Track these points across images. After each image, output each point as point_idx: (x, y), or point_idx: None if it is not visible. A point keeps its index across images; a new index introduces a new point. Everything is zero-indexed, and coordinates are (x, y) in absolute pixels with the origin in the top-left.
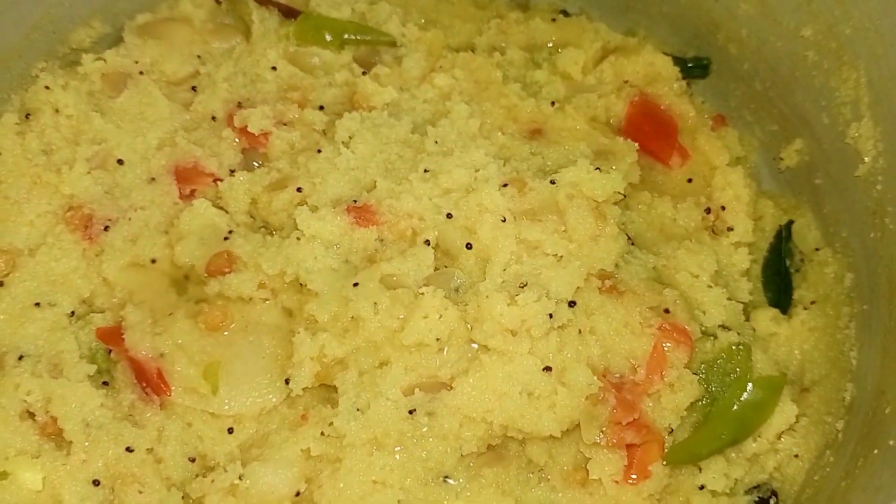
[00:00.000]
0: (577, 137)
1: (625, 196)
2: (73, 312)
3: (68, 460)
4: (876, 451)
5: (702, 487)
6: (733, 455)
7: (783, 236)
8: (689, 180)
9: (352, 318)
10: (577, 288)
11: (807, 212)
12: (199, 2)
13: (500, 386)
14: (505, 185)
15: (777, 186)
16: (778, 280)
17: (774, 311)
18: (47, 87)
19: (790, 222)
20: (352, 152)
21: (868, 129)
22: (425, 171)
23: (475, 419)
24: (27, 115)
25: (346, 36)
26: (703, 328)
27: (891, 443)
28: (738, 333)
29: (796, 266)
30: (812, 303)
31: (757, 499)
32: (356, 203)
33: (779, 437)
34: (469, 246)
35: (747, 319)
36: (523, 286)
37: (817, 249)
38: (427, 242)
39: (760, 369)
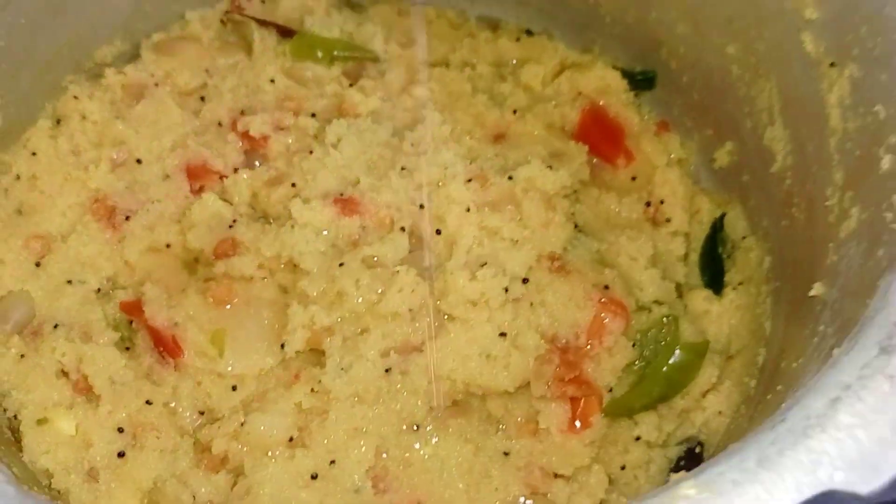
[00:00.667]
0: (534, 141)
1: (575, 191)
2: (99, 289)
3: (97, 411)
4: (769, 397)
5: (637, 438)
6: (664, 411)
7: (717, 227)
8: (634, 178)
9: (337, 292)
10: (530, 267)
11: (737, 205)
12: (207, 22)
13: (462, 349)
14: (469, 181)
15: (712, 184)
16: (713, 265)
17: (708, 292)
18: (75, 97)
19: (723, 215)
20: (339, 153)
21: (779, 131)
22: (402, 168)
23: (441, 377)
24: (58, 121)
25: (335, 53)
26: (639, 303)
27: (779, 388)
28: (669, 307)
29: (728, 253)
30: (739, 283)
31: (686, 448)
32: (342, 196)
33: (704, 396)
34: (438, 232)
35: (680, 298)
36: (483, 265)
37: (744, 238)
38: (403, 229)
39: (687, 336)
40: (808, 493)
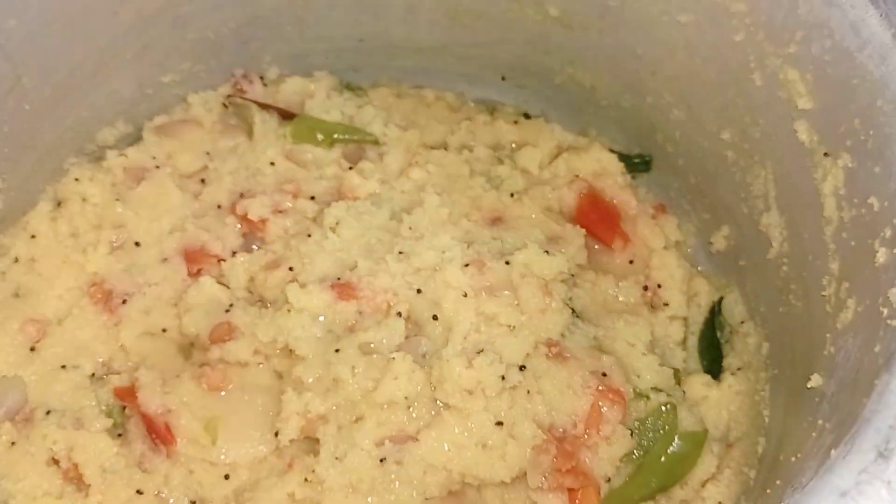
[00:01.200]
0: (532, 224)
1: (572, 275)
2: (93, 374)
3: (87, 501)
4: (768, 491)
5: None
6: (663, 502)
7: (715, 311)
8: (631, 261)
9: (333, 379)
10: (527, 354)
11: (734, 289)
12: (209, 105)
13: (458, 438)
14: (467, 265)
15: (710, 267)
16: (711, 350)
17: (707, 377)
18: (76, 179)
19: (721, 299)
20: (337, 236)
21: (775, 218)
22: (400, 252)
23: (437, 467)
24: (59, 204)
25: (335, 136)
26: (637, 390)
27: (778, 482)
28: (668, 395)
29: (726, 337)
30: (738, 369)
31: None
32: (339, 280)
33: (703, 486)
34: (435, 317)
35: (679, 384)
36: (480, 352)
37: (742, 322)
38: (399, 314)
39: (686, 426)
40: None
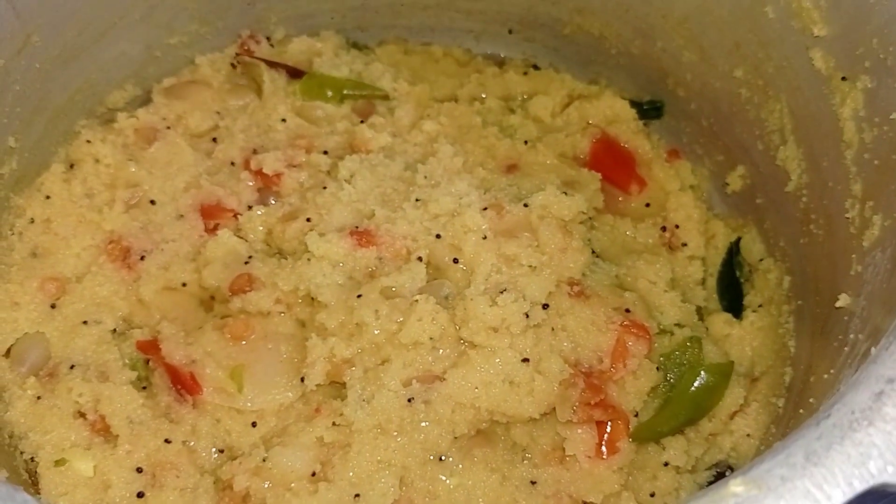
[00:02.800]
0: (547, 170)
1: (590, 218)
2: (115, 329)
3: (115, 451)
4: (801, 412)
5: (666, 464)
6: (692, 435)
7: (733, 251)
8: (647, 205)
9: (356, 324)
10: (549, 293)
11: (752, 228)
12: (218, 66)
13: (485, 376)
14: (485, 209)
15: (726, 209)
16: (731, 290)
17: (727, 316)
18: (88, 141)
19: (738, 239)
20: (353, 187)
21: (792, 150)
22: (416, 200)
23: (465, 405)
24: (71, 165)
25: (345, 91)
26: (661, 326)
27: (811, 400)
28: (692, 329)
29: (745, 276)
30: (759, 306)
31: (715, 473)
32: (358, 228)
33: (731, 418)
34: (455, 261)
35: (701, 320)
36: (503, 291)
37: (761, 260)
38: (419, 259)
39: (711, 358)
40: (860, 487)
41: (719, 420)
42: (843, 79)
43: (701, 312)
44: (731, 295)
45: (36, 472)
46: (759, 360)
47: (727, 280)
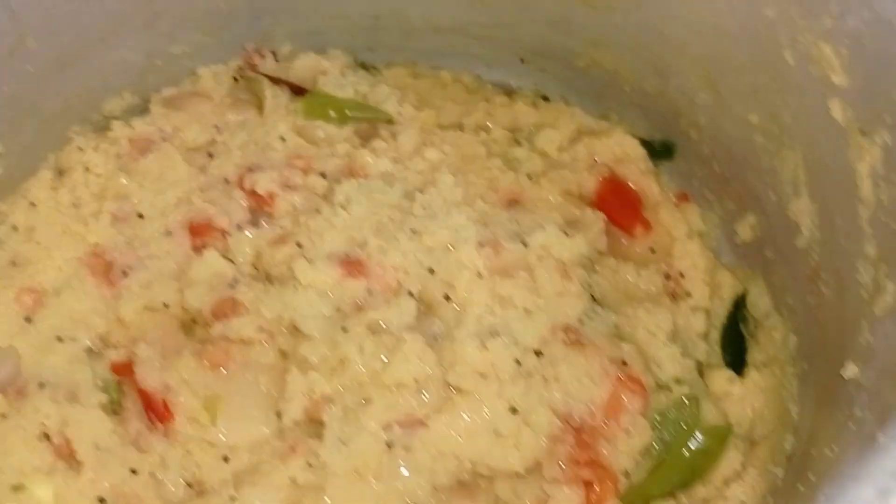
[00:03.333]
0: (550, 207)
1: (591, 260)
2: (90, 347)
3: (78, 479)
4: (801, 488)
5: None
6: (684, 500)
7: (739, 304)
8: (652, 250)
9: (340, 359)
10: (544, 339)
11: (759, 281)
12: (220, 79)
13: (470, 424)
14: (482, 245)
15: (734, 259)
16: (735, 344)
17: (729, 373)
18: (80, 149)
19: (745, 291)
20: (348, 213)
21: (805, 204)
22: (412, 231)
23: (447, 454)
24: (60, 173)
25: (348, 112)
26: (658, 381)
27: (811, 476)
28: (690, 387)
29: (750, 332)
30: (763, 364)
31: None
32: (349, 257)
33: (727, 485)
34: (448, 297)
35: (701, 375)
36: (494, 335)
37: (768, 315)
38: (410, 293)
39: (709, 419)
40: None
41: (713, 486)
42: (862, 133)
43: (701, 367)
44: (735, 350)
45: None
46: (760, 423)
47: (731, 334)
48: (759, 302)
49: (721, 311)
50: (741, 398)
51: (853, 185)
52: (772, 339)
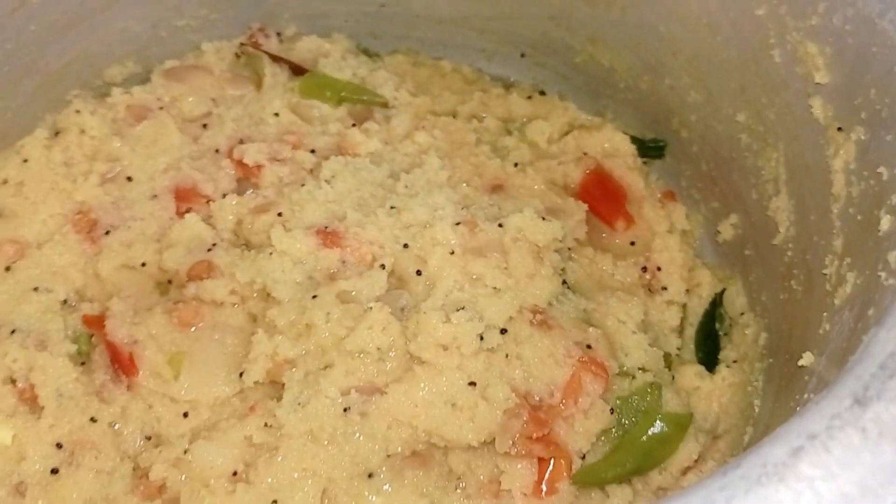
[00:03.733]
0: (533, 195)
1: (569, 248)
2: (65, 300)
3: (38, 423)
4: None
5: None
6: (639, 486)
7: (716, 303)
8: (632, 243)
9: (306, 324)
10: (510, 318)
11: (737, 281)
12: (222, 54)
13: (427, 395)
14: (458, 224)
15: (716, 258)
16: (708, 342)
17: (700, 368)
18: (77, 111)
19: (723, 290)
20: (331, 188)
21: (784, 201)
22: (391, 207)
23: (402, 422)
24: (56, 133)
25: (343, 94)
26: (623, 368)
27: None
28: (655, 376)
29: (725, 330)
30: (734, 361)
31: None
32: (326, 228)
33: (683, 474)
34: (419, 272)
35: (669, 368)
36: (460, 309)
37: (742, 314)
38: (382, 266)
39: (671, 408)
40: None
41: (670, 474)
42: (839, 129)
43: (671, 361)
44: (708, 348)
45: None
46: (725, 418)
47: (706, 332)
48: (736, 301)
49: (699, 309)
50: (709, 393)
51: (828, 182)
52: (744, 336)
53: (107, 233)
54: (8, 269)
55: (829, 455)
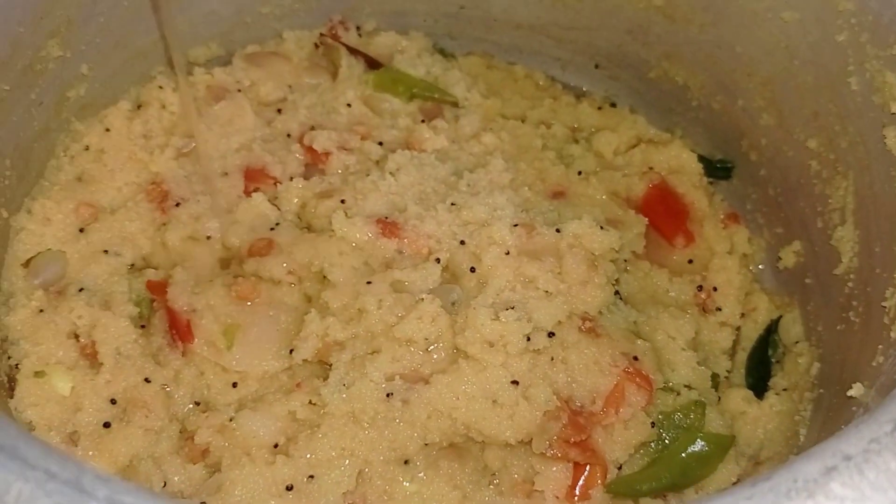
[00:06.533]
0: (594, 204)
1: (625, 260)
2: (132, 264)
3: (96, 378)
4: None
5: None
6: (674, 502)
7: (771, 329)
8: (690, 261)
9: (358, 309)
10: (559, 322)
11: (795, 309)
12: (302, 43)
13: (470, 388)
14: (516, 226)
15: (775, 284)
16: (760, 368)
17: (748, 393)
18: (160, 87)
19: (779, 317)
20: (395, 180)
21: (849, 232)
22: (452, 204)
23: (443, 413)
24: (139, 106)
25: (415, 90)
26: (669, 383)
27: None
28: (700, 395)
29: (778, 357)
30: (784, 389)
31: None
32: (386, 219)
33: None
34: (473, 270)
35: (716, 389)
36: (510, 309)
37: (797, 342)
38: (437, 260)
39: (713, 428)
40: None
41: (706, 493)
42: None
43: (719, 382)
44: (759, 374)
45: (15, 378)
46: (769, 444)
47: (758, 357)
48: (792, 329)
49: (753, 334)
50: (755, 419)
51: (895, 214)
52: (796, 365)
53: (177, 204)
54: (82, 230)
55: (863, 477)
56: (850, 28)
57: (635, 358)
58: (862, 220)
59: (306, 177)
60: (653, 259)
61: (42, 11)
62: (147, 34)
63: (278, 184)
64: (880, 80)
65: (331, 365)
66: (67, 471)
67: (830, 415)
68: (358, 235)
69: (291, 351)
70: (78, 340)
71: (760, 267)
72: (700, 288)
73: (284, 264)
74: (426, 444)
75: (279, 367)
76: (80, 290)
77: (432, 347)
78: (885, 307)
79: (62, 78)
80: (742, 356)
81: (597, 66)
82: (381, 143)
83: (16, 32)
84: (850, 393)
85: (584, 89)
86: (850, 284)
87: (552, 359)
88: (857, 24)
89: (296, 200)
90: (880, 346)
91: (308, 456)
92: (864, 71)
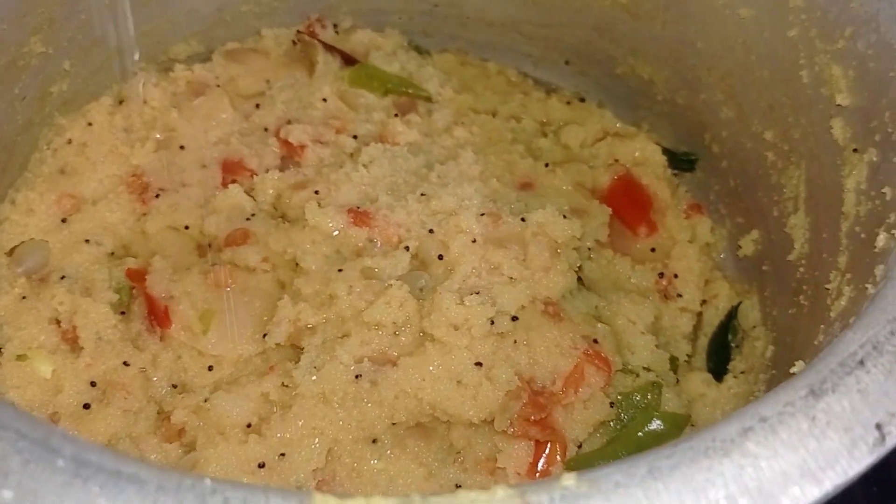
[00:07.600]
0: (559, 194)
1: (589, 248)
2: (112, 253)
3: (76, 362)
4: None
5: None
6: None
7: (731, 315)
8: (653, 250)
9: (329, 295)
10: (522, 306)
11: (754, 295)
12: (280, 41)
13: (435, 370)
14: (483, 215)
15: (736, 272)
16: (719, 353)
17: (707, 376)
18: (142, 83)
19: (739, 303)
20: (367, 172)
21: (801, 219)
22: (421, 194)
23: (409, 394)
24: (120, 101)
25: (389, 86)
26: (628, 365)
27: None
28: (658, 376)
29: (737, 342)
30: (741, 372)
31: None
32: (358, 208)
33: None
34: (440, 257)
35: (675, 371)
36: (475, 293)
37: (754, 327)
38: (407, 248)
39: (670, 408)
40: None
41: None
42: (855, 150)
43: (678, 365)
44: (719, 358)
45: None
46: None
47: (718, 342)
48: (750, 315)
49: (715, 320)
50: (713, 401)
51: (840, 201)
52: (753, 349)
53: (156, 195)
54: (64, 220)
55: (776, 436)
56: (801, 24)
57: (595, 341)
58: (812, 208)
59: (282, 169)
60: (616, 247)
61: (24, 9)
62: (128, 33)
63: (255, 176)
64: (828, 73)
65: (302, 348)
66: (37, 431)
67: None
68: (330, 224)
69: (265, 335)
70: (59, 326)
71: (722, 256)
72: (661, 275)
73: (259, 253)
74: (393, 424)
75: (253, 350)
76: (62, 277)
77: (400, 331)
78: (828, 289)
79: (45, 74)
80: (704, 341)
81: (567, 63)
82: (355, 137)
83: None
84: (791, 370)
85: (554, 85)
86: (801, 270)
87: (515, 341)
88: (807, 19)
89: (271, 192)
90: (822, 326)
91: (279, 435)
92: (814, 64)
